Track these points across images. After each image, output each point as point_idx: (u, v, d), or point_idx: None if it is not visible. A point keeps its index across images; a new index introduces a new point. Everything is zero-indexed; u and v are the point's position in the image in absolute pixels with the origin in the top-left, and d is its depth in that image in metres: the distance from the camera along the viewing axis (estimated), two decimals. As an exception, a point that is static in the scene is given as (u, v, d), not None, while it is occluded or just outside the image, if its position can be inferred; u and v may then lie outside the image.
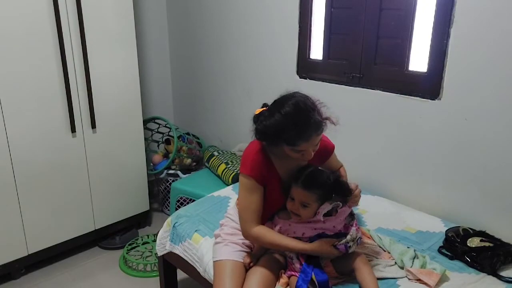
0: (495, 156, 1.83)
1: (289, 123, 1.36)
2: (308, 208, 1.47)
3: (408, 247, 1.69)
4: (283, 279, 1.53)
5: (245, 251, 1.65)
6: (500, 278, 1.55)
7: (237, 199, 1.73)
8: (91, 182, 2.59)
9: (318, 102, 1.45)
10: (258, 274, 1.52)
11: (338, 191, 1.49)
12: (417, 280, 1.52)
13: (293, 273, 1.50)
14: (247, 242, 1.66)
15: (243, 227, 1.55)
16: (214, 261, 1.65)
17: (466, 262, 1.64)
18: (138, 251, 2.68)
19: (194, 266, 1.84)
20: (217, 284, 1.56)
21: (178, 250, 1.93)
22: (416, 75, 2.05)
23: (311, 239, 1.50)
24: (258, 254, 1.61)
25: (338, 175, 1.53)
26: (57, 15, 2.21)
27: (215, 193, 2.26)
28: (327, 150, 1.66)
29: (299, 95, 1.44)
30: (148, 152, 3.21)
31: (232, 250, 1.63)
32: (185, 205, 2.73)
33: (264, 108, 1.47)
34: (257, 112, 1.47)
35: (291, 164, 1.54)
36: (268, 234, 1.52)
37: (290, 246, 1.50)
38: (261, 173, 1.50)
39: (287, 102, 1.40)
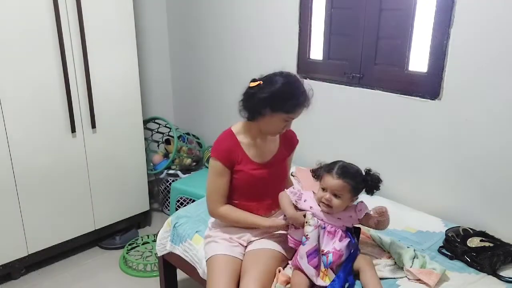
0: (495, 156, 1.83)
1: (294, 90, 1.53)
2: (341, 198, 1.49)
3: (408, 247, 1.69)
4: (283, 277, 1.53)
5: (235, 246, 1.66)
6: (500, 278, 1.55)
7: None
8: (91, 182, 2.59)
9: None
10: (253, 272, 1.52)
11: (370, 182, 1.52)
12: (417, 280, 1.52)
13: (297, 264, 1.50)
14: (234, 237, 1.69)
15: (210, 207, 1.68)
16: (206, 260, 1.67)
17: (466, 262, 1.64)
18: (138, 251, 2.68)
19: (195, 266, 1.84)
20: (210, 278, 1.57)
21: (178, 250, 1.93)
22: (416, 75, 2.05)
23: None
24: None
25: (369, 169, 1.55)
26: (57, 15, 2.21)
27: (215, 193, 2.26)
28: (294, 140, 1.81)
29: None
30: (148, 152, 3.21)
31: (223, 246, 1.65)
32: (185, 205, 2.73)
33: (259, 82, 1.57)
34: (253, 85, 1.58)
35: (259, 147, 1.68)
36: (234, 212, 1.66)
37: (253, 222, 1.64)
38: (229, 156, 1.62)
39: (285, 73, 1.56)
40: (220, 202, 1.65)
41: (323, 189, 1.51)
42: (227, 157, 1.62)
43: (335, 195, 1.48)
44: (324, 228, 1.50)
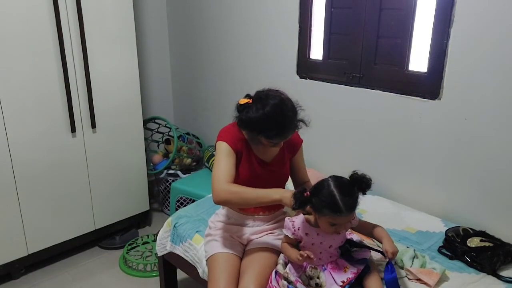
0: (495, 156, 1.83)
1: (272, 122, 1.49)
2: (351, 221, 1.45)
3: (407, 247, 1.69)
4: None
5: (235, 244, 1.67)
6: (500, 278, 1.55)
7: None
8: (91, 182, 2.59)
9: (297, 105, 1.57)
10: (253, 271, 1.52)
11: (362, 188, 1.40)
12: (417, 279, 1.52)
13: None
14: (235, 235, 1.70)
15: (215, 186, 1.51)
16: (207, 259, 1.67)
17: (466, 262, 1.64)
18: (138, 251, 2.68)
19: (195, 266, 1.84)
20: (211, 276, 1.57)
21: (178, 250, 1.93)
22: (416, 75, 2.05)
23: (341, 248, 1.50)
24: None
25: (355, 173, 1.42)
26: (57, 15, 2.21)
27: (215, 193, 2.26)
28: (297, 142, 1.75)
29: (283, 96, 1.55)
30: (148, 152, 3.21)
31: (223, 244, 1.65)
32: (185, 205, 2.73)
33: (248, 100, 1.56)
34: (241, 102, 1.57)
35: (260, 145, 1.64)
36: (240, 187, 1.50)
37: (263, 193, 1.48)
38: (234, 142, 1.60)
39: (273, 102, 1.50)
40: (226, 180, 1.51)
41: (333, 225, 1.39)
42: (234, 141, 1.61)
43: (348, 221, 1.43)
44: (325, 269, 1.46)
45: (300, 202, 1.38)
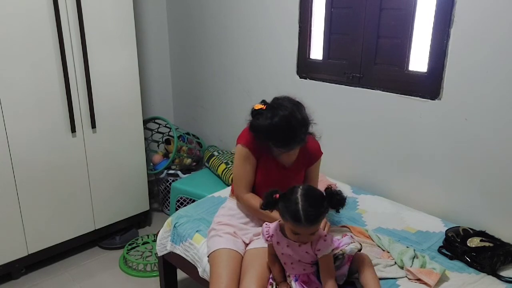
0: (495, 156, 1.83)
1: (278, 133, 1.52)
2: (316, 232, 1.38)
3: (407, 247, 1.70)
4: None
5: (238, 241, 1.68)
6: (500, 278, 1.55)
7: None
8: (91, 182, 2.59)
9: (309, 118, 1.58)
10: (254, 271, 1.53)
11: (333, 204, 1.38)
12: (417, 280, 1.52)
13: None
14: (239, 233, 1.71)
15: (236, 192, 1.73)
16: (209, 255, 1.67)
17: (466, 262, 1.64)
18: (138, 251, 2.68)
19: (195, 265, 1.84)
20: (214, 271, 1.57)
21: (179, 250, 1.93)
22: (416, 75, 2.05)
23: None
24: (278, 278, 1.53)
25: (329, 187, 1.40)
26: (57, 15, 2.21)
27: (216, 194, 2.26)
28: (316, 154, 1.76)
29: (296, 108, 1.55)
30: (148, 152, 3.21)
31: (226, 240, 1.66)
32: (185, 205, 2.73)
33: (262, 107, 1.57)
34: (256, 108, 1.59)
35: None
36: (255, 202, 1.64)
37: (264, 214, 1.58)
38: (255, 146, 1.64)
39: (282, 113, 1.51)
40: (245, 189, 1.68)
41: (296, 233, 1.36)
42: (253, 143, 1.64)
43: (310, 234, 1.37)
44: (297, 280, 1.44)
45: (267, 202, 1.40)
